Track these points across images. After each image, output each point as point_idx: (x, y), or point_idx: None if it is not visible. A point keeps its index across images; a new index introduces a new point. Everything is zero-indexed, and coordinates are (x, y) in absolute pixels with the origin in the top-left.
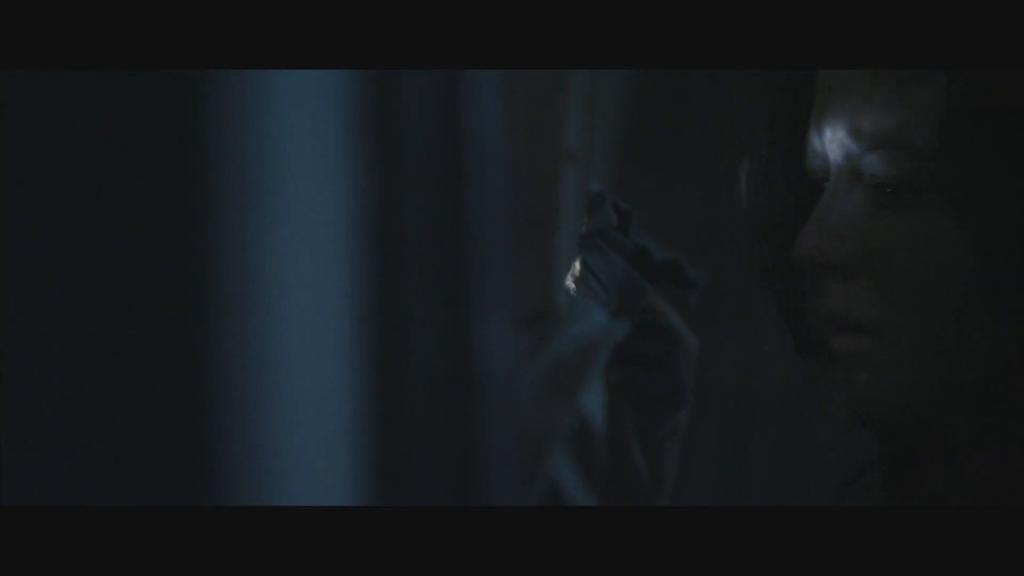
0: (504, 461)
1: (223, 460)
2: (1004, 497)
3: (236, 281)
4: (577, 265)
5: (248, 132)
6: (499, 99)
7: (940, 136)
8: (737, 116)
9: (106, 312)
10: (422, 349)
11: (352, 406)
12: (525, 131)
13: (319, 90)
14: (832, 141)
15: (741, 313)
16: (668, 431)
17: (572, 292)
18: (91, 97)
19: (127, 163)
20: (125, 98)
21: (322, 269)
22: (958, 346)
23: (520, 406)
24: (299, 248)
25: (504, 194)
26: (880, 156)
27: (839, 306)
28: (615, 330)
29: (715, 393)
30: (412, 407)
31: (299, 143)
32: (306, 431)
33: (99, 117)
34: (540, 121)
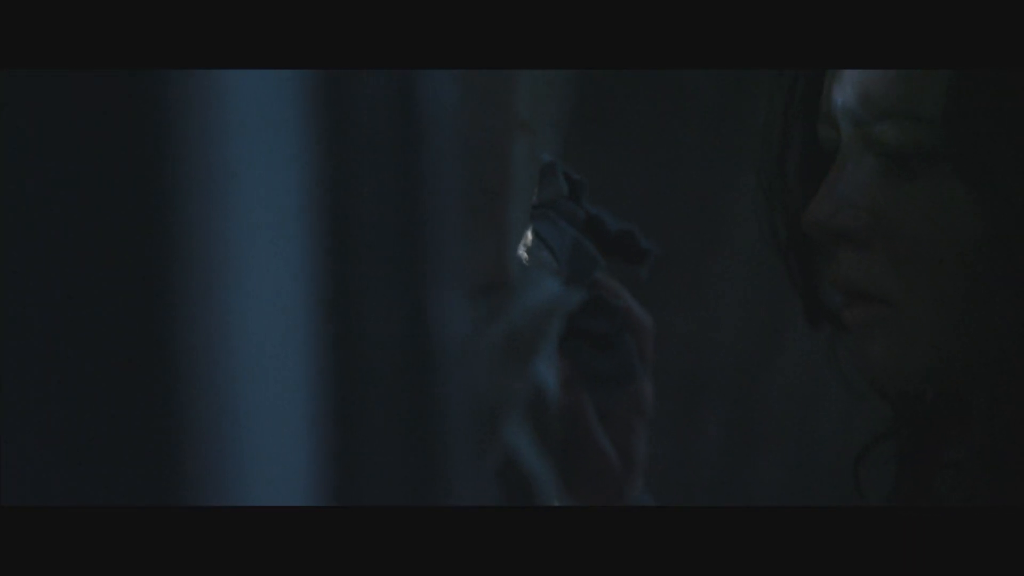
0: (461, 430)
1: (184, 453)
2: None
3: (195, 267)
4: (529, 235)
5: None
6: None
7: (949, 105)
8: (690, 87)
9: (63, 309)
10: (377, 321)
11: (308, 383)
12: (477, 101)
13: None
14: (843, 109)
15: (694, 287)
16: (632, 408)
17: (524, 262)
18: (50, 96)
19: (84, 161)
20: (85, 97)
21: (276, 245)
22: (973, 317)
23: (476, 375)
24: (252, 221)
25: (456, 164)
26: (889, 124)
27: (852, 275)
28: (568, 299)
29: (667, 369)
30: (368, 379)
31: (251, 115)
32: (264, 410)
33: (55, 117)
34: (492, 91)
